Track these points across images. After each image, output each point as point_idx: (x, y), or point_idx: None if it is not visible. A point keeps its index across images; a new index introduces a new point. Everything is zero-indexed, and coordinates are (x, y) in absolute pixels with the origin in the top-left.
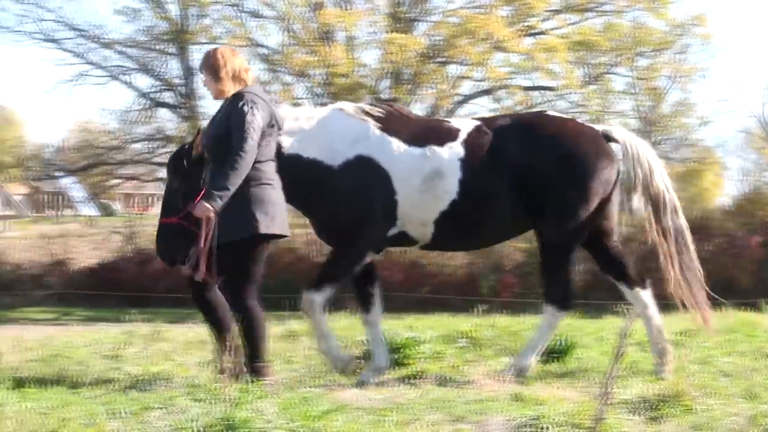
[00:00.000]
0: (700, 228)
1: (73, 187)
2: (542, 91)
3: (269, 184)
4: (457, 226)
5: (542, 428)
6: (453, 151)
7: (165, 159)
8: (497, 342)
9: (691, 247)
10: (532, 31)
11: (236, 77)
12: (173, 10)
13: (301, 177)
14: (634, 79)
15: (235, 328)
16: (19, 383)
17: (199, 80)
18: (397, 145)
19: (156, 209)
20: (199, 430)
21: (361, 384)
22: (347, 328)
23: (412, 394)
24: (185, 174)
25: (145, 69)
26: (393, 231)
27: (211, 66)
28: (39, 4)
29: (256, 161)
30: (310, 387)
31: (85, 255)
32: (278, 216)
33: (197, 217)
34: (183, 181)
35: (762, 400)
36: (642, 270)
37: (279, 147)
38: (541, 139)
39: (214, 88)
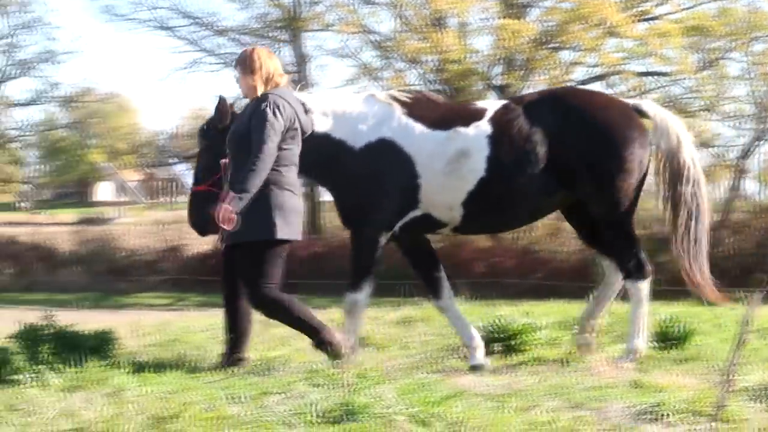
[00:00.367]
0: None
1: (186, 173)
2: (656, 77)
3: (290, 190)
4: (488, 205)
5: (663, 415)
6: (480, 130)
7: None
8: (614, 329)
9: (706, 222)
10: (646, 17)
11: (269, 80)
12: None
13: (329, 156)
14: (749, 64)
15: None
16: (139, 368)
17: (313, 67)
18: (420, 129)
19: None
20: (318, 415)
21: (476, 369)
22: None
23: (530, 380)
24: (213, 142)
25: None
26: (416, 213)
27: (247, 65)
28: None
29: (279, 165)
30: (427, 373)
31: (199, 241)
32: (295, 222)
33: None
34: (211, 149)
35: None
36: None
37: (312, 127)
38: (571, 111)
39: (245, 86)
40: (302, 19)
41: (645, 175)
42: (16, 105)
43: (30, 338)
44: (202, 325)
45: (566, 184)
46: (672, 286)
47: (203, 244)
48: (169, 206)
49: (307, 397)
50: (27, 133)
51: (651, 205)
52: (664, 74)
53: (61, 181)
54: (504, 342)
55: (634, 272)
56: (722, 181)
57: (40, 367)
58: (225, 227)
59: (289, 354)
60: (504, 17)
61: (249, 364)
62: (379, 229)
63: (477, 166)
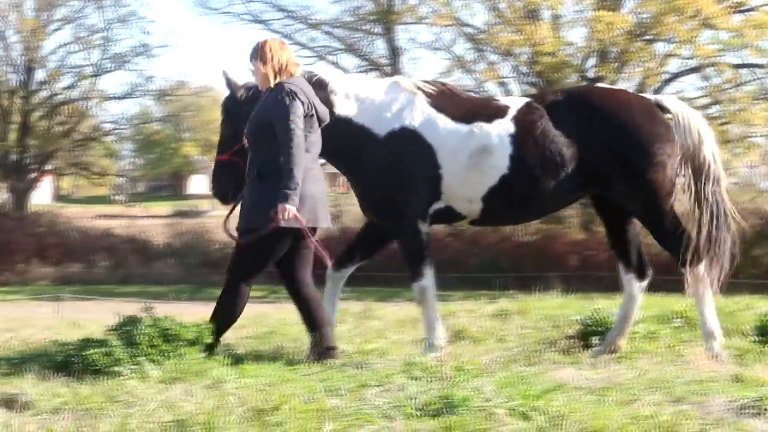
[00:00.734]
0: None
1: None
2: (751, 69)
3: (302, 179)
4: (508, 201)
5: (765, 409)
6: (502, 127)
7: None
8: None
9: (727, 220)
10: (742, 8)
11: (282, 70)
12: None
13: (349, 141)
14: None
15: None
16: (237, 360)
17: (406, 60)
18: (444, 120)
19: None
20: (418, 408)
21: (595, 356)
22: (559, 307)
23: (629, 373)
24: (235, 114)
25: (351, 49)
26: (438, 206)
27: (259, 57)
28: None
29: None
30: (524, 366)
31: None
32: (305, 210)
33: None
34: (233, 121)
35: None
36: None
37: (332, 110)
38: (596, 112)
39: (259, 77)
40: (396, 12)
41: (674, 168)
42: (111, 98)
43: (129, 330)
44: (298, 318)
45: (598, 185)
46: None
47: None
48: None
49: (405, 389)
50: (122, 127)
51: (747, 197)
52: (760, 66)
53: (155, 174)
54: (602, 335)
55: (686, 260)
56: None
57: (139, 359)
58: (293, 224)
59: (386, 346)
60: (598, 9)
61: (340, 354)
62: (414, 217)
63: (499, 164)
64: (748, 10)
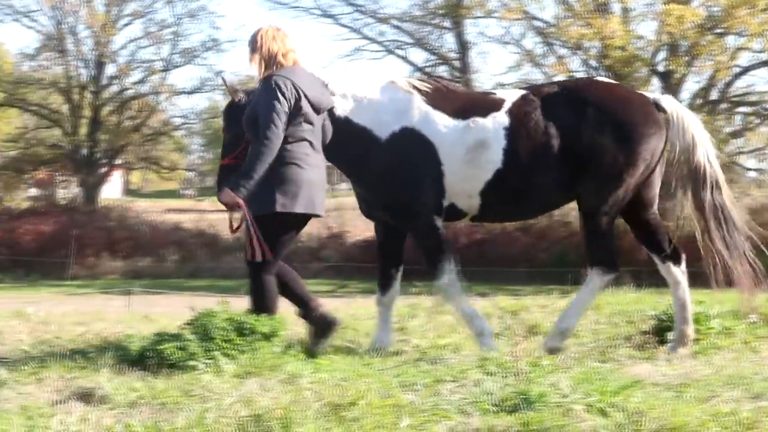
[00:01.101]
0: None
1: None
2: None
3: (296, 164)
4: (504, 196)
5: None
6: (497, 121)
7: None
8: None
9: (735, 221)
10: None
11: (272, 60)
12: None
13: (350, 143)
14: None
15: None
16: (311, 354)
17: (474, 54)
18: (441, 117)
19: None
20: (494, 404)
21: (673, 351)
22: (632, 302)
23: (706, 370)
24: (235, 118)
25: (420, 43)
26: (444, 203)
27: (251, 46)
28: None
29: (284, 141)
30: (600, 361)
31: (360, 228)
32: (302, 195)
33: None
34: (233, 125)
35: None
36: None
37: (331, 102)
38: (589, 104)
39: (252, 66)
40: (465, 6)
41: (651, 172)
42: (180, 93)
43: (203, 324)
44: (370, 312)
45: (579, 176)
46: None
47: (365, 231)
48: (330, 194)
49: (481, 385)
50: (191, 121)
51: None
52: None
53: None
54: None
55: (604, 264)
56: None
57: (213, 353)
58: (231, 211)
59: (459, 341)
60: (668, 2)
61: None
62: (429, 214)
63: (494, 158)
64: None
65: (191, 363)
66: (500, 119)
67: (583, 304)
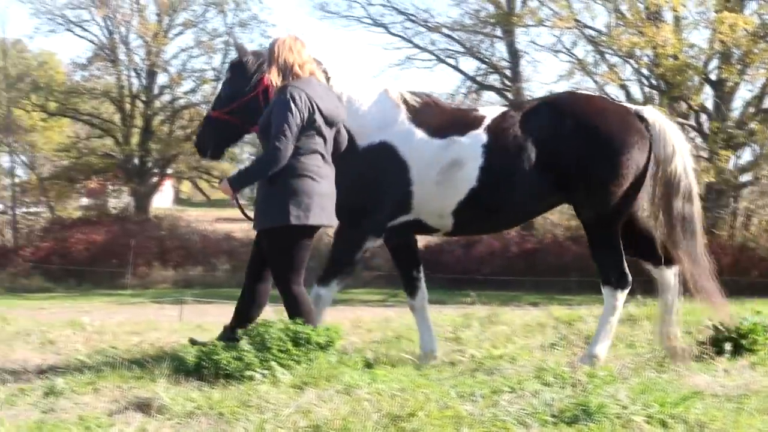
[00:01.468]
0: None
1: None
2: None
3: (308, 176)
4: (478, 214)
5: None
6: (475, 139)
7: None
8: None
9: (699, 236)
10: None
11: (288, 70)
12: None
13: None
14: None
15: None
16: (367, 365)
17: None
18: (420, 135)
19: None
20: (553, 415)
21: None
22: (687, 312)
23: (766, 381)
24: (239, 77)
25: (471, 52)
26: (406, 218)
27: (268, 56)
28: None
29: (296, 153)
30: (656, 372)
31: None
32: (315, 207)
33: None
34: (236, 82)
35: None
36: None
37: (344, 115)
38: (567, 116)
39: (270, 76)
40: (516, 15)
41: (641, 181)
42: None
43: (259, 334)
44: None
45: (562, 187)
46: None
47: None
48: None
49: (539, 396)
50: None
51: None
52: None
53: None
54: (734, 341)
55: (614, 280)
56: None
57: (270, 363)
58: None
59: (515, 352)
60: (721, 10)
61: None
62: (366, 233)
63: (469, 177)
64: None
65: (248, 373)
66: (478, 136)
67: (608, 327)
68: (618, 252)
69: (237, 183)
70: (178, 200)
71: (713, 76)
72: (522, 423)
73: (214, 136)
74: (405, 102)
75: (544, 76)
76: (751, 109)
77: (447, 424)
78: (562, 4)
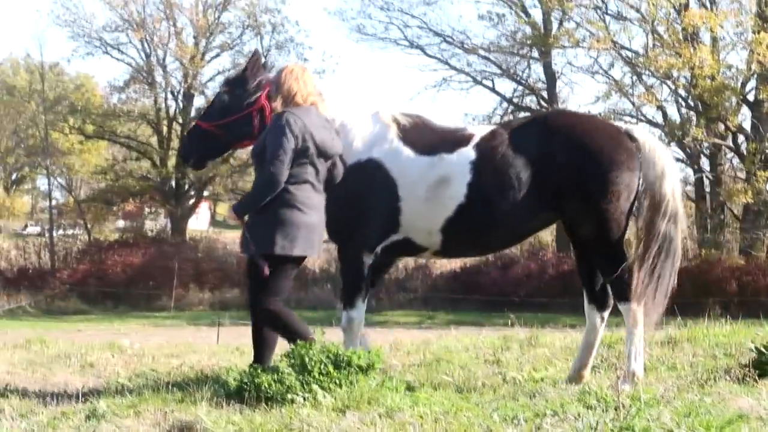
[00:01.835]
0: None
1: None
2: None
3: (297, 207)
4: (467, 231)
5: None
6: (463, 156)
7: None
8: None
9: (674, 257)
10: None
11: (290, 99)
12: (536, 14)
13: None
14: None
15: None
16: (409, 387)
17: (562, 84)
18: (408, 153)
19: None
20: None
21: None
22: (729, 335)
23: None
24: (234, 92)
25: (508, 74)
26: (396, 237)
27: (274, 83)
28: (404, 11)
29: (287, 182)
30: (699, 395)
31: (448, 260)
32: (300, 239)
33: None
34: (230, 97)
35: None
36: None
37: (339, 148)
38: (556, 134)
39: (275, 103)
40: (553, 36)
41: (631, 200)
42: None
43: (300, 357)
44: (463, 345)
45: (553, 206)
46: None
47: (451, 262)
48: None
49: (582, 419)
50: None
51: None
52: None
53: None
54: None
55: (629, 294)
56: None
57: (311, 386)
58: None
59: (556, 374)
60: (759, 31)
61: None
62: (361, 248)
63: (457, 194)
64: None
65: (289, 396)
66: (466, 154)
67: (637, 341)
68: (624, 262)
69: (240, 210)
70: (215, 222)
71: (751, 97)
72: None
73: (200, 147)
74: (395, 122)
75: (581, 98)
76: None
77: None
78: (600, 26)
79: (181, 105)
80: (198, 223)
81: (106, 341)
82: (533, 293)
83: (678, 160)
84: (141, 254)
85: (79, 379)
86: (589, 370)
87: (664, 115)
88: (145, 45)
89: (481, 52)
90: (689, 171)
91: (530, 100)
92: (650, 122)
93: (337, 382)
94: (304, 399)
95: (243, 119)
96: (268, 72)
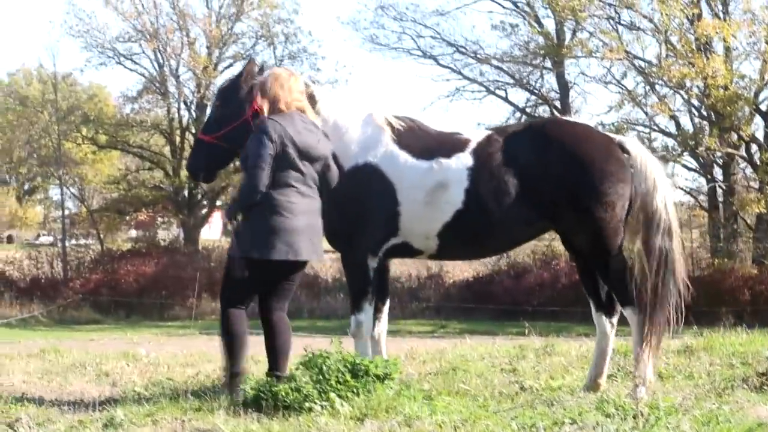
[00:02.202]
0: None
1: None
2: None
3: (278, 212)
4: (463, 237)
5: None
6: (460, 162)
7: None
8: None
9: (675, 270)
10: None
11: (273, 106)
12: (549, 24)
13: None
14: None
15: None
16: (426, 396)
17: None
18: (405, 158)
19: None
20: None
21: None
22: (746, 343)
23: None
24: (228, 101)
25: (521, 84)
26: (395, 241)
27: (260, 88)
28: (418, 21)
29: (268, 187)
30: (717, 404)
31: (460, 269)
32: (279, 244)
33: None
34: (224, 106)
35: None
36: None
37: (327, 151)
38: (550, 142)
39: (262, 108)
40: (566, 47)
41: (624, 209)
42: None
43: (317, 366)
44: (478, 354)
45: (546, 215)
46: None
47: (464, 271)
48: None
49: (601, 427)
50: None
51: None
52: None
53: None
54: None
55: (633, 299)
56: None
57: (329, 394)
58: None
59: (573, 383)
60: None
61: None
62: (364, 252)
63: (454, 199)
64: None
65: (306, 405)
66: (463, 160)
67: (645, 346)
68: (624, 273)
69: (228, 213)
70: (227, 232)
71: (764, 107)
72: None
73: (206, 160)
74: (389, 124)
75: (594, 108)
76: None
77: None
78: (613, 36)
79: (194, 115)
80: (211, 232)
81: (120, 350)
82: (546, 302)
83: (691, 169)
84: (154, 264)
85: (95, 388)
86: (605, 378)
87: (677, 124)
88: (158, 55)
89: (494, 62)
90: (702, 180)
91: (543, 110)
92: (663, 132)
93: (355, 390)
94: (322, 407)
95: (242, 126)
96: (261, 75)
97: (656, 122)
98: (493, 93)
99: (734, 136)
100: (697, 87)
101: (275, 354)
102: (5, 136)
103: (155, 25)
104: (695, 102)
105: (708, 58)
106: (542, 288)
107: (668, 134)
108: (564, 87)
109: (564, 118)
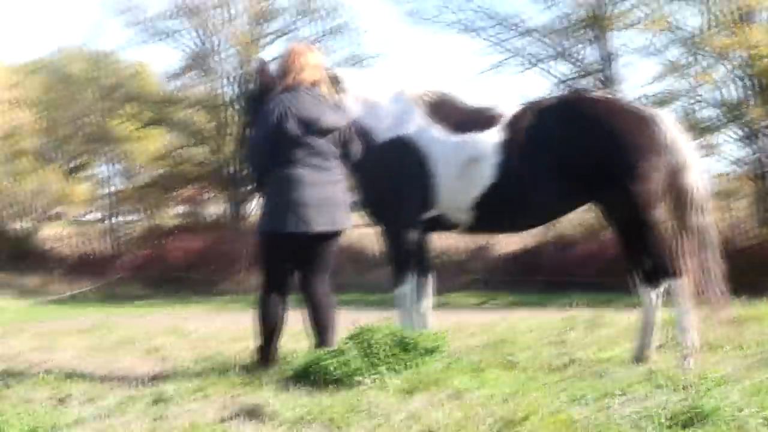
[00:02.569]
0: None
1: None
2: None
3: (284, 186)
4: (497, 210)
5: None
6: (492, 136)
7: None
8: None
9: (714, 245)
10: None
11: (285, 79)
12: None
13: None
14: None
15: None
16: (474, 369)
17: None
18: (438, 131)
19: None
20: (667, 419)
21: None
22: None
23: None
24: (253, 107)
25: (563, 56)
26: (432, 213)
27: (280, 64)
28: None
29: (274, 163)
30: (766, 374)
31: (507, 241)
32: (291, 215)
33: None
34: (252, 114)
35: None
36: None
37: (339, 123)
38: (583, 116)
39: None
40: (607, 18)
41: (658, 182)
42: None
43: (366, 340)
44: (527, 326)
45: (579, 190)
46: None
47: (512, 244)
48: None
49: (650, 399)
50: None
51: None
52: None
53: None
54: None
55: (671, 271)
56: None
57: (378, 368)
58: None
59: (622, 354)
60: None
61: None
62: (404, 225)
63: (486, 172)
64: None
65: (356, 378)
66: (495, 134)
67: (688, 315)
68: (666, 242)
69: (254, 191)
70: None
71: None
72: (636, 426)
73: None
74: (422, 99)
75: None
76: None
77: (560, 428)
78: (655, 6)
79: (237, 90)
80: (257, 207)
81: (169, 326)
82: (594, 274)
83: (735, 139)
84: (201, 239)
85: (144, 363)
86: (654, 349)
87: (721, 94)
88: (200, 32)
89: (536, 35)
90: (748, 150)
91: (586, 82)
92: (707, 102)
93: (404, 363)
94: (372, 381)
95: None
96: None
97: (699, 93)
98: (535, 65)
99: None
100: (741, 57)
101: (320, 328)
102: (50, 114)
103: (196, 2)
104: (738, 72)
105: (750, 28)
106: (590, 259)
107: (712, 104)
108: (606, 58)
109: (596, 92)
